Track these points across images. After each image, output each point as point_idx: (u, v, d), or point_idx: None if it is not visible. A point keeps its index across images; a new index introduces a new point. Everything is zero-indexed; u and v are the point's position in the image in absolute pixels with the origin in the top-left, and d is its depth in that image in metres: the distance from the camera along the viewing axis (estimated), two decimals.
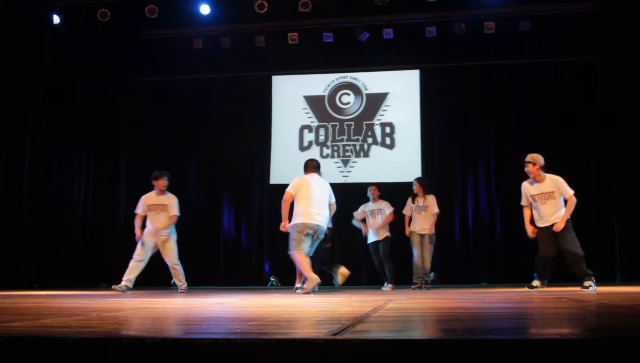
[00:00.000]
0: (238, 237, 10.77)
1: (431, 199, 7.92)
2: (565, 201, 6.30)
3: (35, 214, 9.68)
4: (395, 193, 8.82)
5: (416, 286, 7.65)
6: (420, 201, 7.93)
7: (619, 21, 9.54)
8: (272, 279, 10.22)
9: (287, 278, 10.05)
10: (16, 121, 9.39)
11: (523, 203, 6.54)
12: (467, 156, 10.59)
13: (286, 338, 1.58)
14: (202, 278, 10.44)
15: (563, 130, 10.13)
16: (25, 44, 9.36)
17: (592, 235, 9.88)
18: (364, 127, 10.93)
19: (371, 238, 8.18)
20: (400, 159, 10.58)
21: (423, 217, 7.88)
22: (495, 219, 10.37)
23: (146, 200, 7.46)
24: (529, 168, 6.39)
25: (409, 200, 8.04)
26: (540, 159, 6.38)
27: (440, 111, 10.70)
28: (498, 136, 10.49)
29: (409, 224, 7.97)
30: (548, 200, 6.31)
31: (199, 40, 10.84)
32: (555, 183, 6.31)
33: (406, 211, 8.03)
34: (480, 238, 10.32)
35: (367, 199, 8.32)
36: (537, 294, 5.26)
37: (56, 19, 10.07)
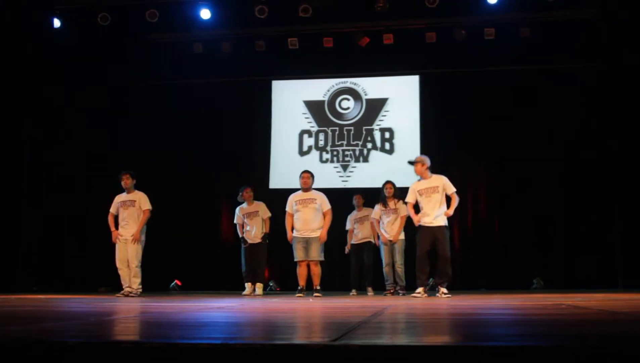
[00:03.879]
0: (237, 242, 10.73)
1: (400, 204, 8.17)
2: None
3: (34, 217, 9.66)
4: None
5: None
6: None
7: (619, 28, 9.55)
8: (271, 284, 10.20)
9: (285, 283, 10.04)
10: (15, 123, 9.38)
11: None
12: (467, 162, 10.59)
13: (286, 344, 1.58)
14: (200, 283, 10.41)
15: (564, 136, 10.14)
16: (25, 47, 9.37)
17: (594, 240, 9.90)
18: (364, 132, 10.93)
19: (355, 239, 8.57)
20: (400, 165, 10.52)
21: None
22: (495, 225, 10.37)
23: None
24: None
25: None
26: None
27: (440, 117, 10.69)
28: (498, 141, 10.49)
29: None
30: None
31: (199, 44, 10.84)
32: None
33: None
34: (480, 243, 10.31)
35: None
36: (536, 301, 5.26)
37: (57, 23, 10.08)
